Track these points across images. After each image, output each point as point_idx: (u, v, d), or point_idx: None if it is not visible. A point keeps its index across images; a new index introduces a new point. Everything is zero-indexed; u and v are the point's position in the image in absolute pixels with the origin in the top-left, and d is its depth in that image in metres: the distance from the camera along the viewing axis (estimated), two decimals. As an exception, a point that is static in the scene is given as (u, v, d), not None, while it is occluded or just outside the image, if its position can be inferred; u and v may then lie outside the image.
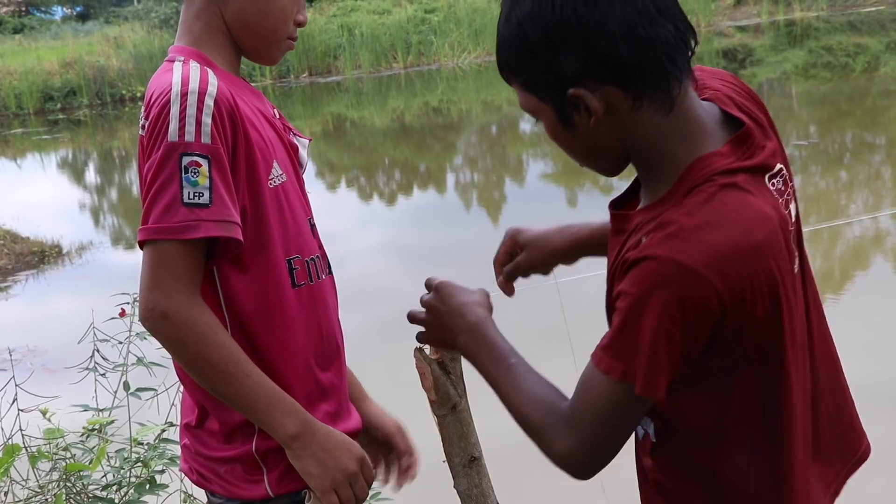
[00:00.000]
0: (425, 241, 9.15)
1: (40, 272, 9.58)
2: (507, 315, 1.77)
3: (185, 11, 1.88)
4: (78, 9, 42.62)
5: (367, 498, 1.89)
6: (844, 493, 1.63)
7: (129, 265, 9.59)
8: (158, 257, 1.69)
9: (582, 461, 1.44)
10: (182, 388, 1.96)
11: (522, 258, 1.85)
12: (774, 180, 1.43)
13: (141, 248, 1.72)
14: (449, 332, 1.61)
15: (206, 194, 1.66)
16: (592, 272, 1.75)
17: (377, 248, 8.71)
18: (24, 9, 41.80)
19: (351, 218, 10.33)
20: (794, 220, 1.48)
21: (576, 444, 1.42)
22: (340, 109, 19.97)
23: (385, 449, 2.07)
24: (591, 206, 9.79)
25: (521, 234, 1.86)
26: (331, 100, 22.04)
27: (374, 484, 2.82)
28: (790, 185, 1.47)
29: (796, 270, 1.46)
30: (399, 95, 21.98)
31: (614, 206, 1.55)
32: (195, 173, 1.66)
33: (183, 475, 3.00)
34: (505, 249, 1.88)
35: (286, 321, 1.81)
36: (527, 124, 17.67)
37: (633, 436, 1.58)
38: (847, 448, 1.61)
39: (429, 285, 1.68)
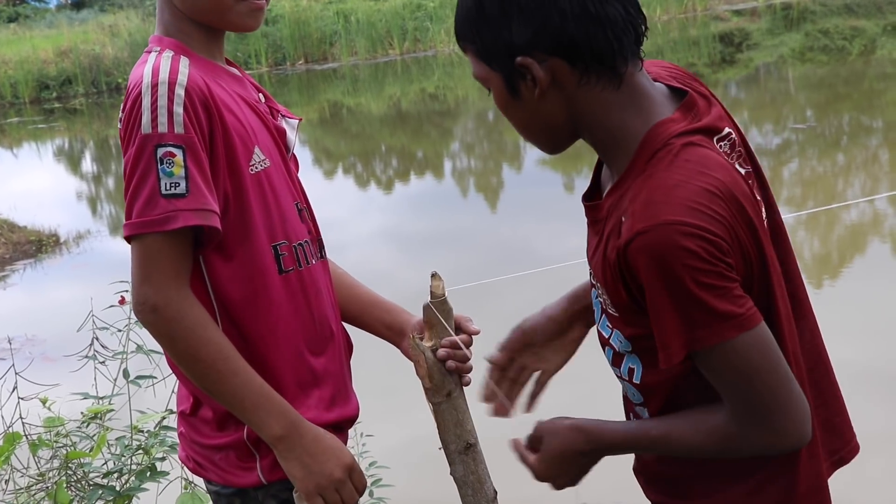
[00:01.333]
0: (423, 228, 9.15)
1: (38, 261, 9.58)
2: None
3: (158, 1, 1.89)
4: (73, -3, 42.41)
5: (365, 491, 1.88)
6: (842, 474, 1.64)
7: (126, 254, 9.56)
8: (145, 251, 1.69)
9: (793, 424, 1.41)
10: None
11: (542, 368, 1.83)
12: (722, 143, 1.47)
13: (128, 242, 1.72)
14: (588, 465, 1.59)
15: (183, 184, 1.66)
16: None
17: (375, 234, 8.70)
18: (18, -2, 41.62)
19: (348, 205, 10.32)
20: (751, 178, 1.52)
21: (773, 421, 1.40)
22: (337, 96, 19.94)
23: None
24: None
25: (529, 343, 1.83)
26: (327, 87, 22.00)
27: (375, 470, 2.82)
28: (738, 147, 1.51)
29: (765, 221, 1.50)
30: (395, 82, 21.93)
31: (586, 198, 1.58)
32: (170, 164, 1.65)
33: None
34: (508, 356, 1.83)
35: (273, 308, 1.81)
36: (523, 110, 17.63)
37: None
38: (836, 440, 1.61)
39: (529, 446, 1.64)
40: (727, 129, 1.49)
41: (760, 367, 1.39)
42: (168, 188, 1.65)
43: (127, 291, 3.13)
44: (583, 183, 10.38)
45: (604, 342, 1.60)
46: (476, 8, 1.45)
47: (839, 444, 1.61)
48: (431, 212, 10.01)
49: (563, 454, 1.56)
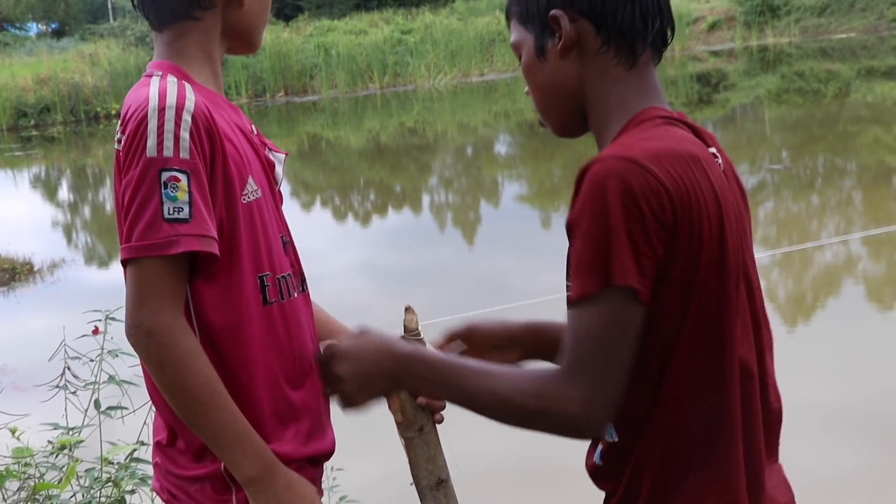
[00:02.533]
0: (400, 262, 9.15)
1: (11, 289, 9.51)
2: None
3: (162, 32, 1.87)
4: (53, 25, 42.49)
5: None
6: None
7: (101, 283, 9.55)
8: (143, 275, 1.67)
9: (599, 409, 1.40)
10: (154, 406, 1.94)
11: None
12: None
13: (124, 266, 1.70)
14: (386, 383, 1.59)
15: (186, 209, 1.65)
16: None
17: (352, 268, 8.69)
18: (-2, 25, 41.62)
19: (325, 237, 10.31)
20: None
21: (585, 393, 1.39)
22: (316, 129, 19.99)
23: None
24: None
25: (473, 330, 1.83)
26: (307, 119, 22.06)
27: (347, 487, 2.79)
28: (724, 170, 1.53)
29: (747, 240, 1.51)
30: (375, 115, 22.02)
31: None
32: (174, 188, 1.64)
33: (155, 495, 2.99)
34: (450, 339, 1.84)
35: (255, 338, 1.79)
36: (502, 146, 17.74)
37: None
38: (774, 452, 1.60)
39: (327, 356, 1.66)
40: (714, 150, 1.52)
41: (608, 342, 1.39)
42: (171, 212, 1.64)
43: (100, 321, 3.11)
44: (559, 219, 10.41)
45: None
46: None
47: None
48: (408, 246, 10.02)
49: (368, 373, 1.58)
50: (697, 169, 1.41)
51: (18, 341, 7.49)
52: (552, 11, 1.52)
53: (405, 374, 1.57)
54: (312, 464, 1.90)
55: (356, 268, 8.73)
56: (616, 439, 1.54)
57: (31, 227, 13.10)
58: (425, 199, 13.30)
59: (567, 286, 1.46)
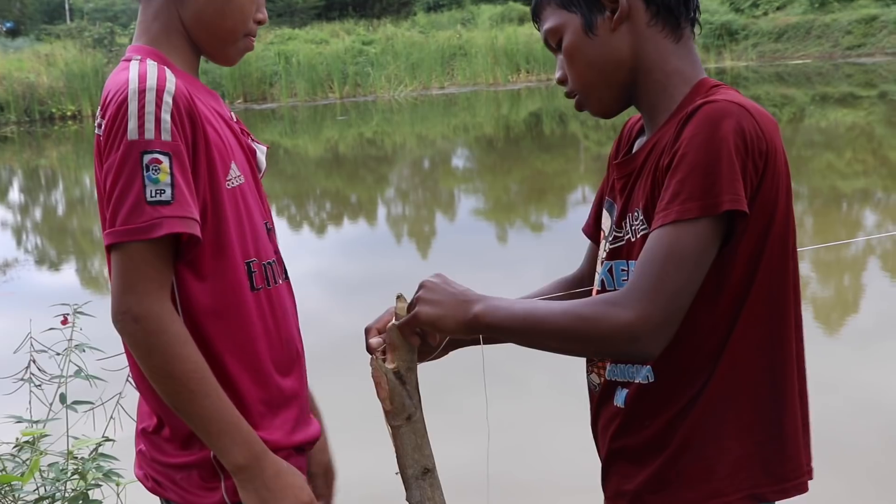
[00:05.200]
0: (354, 273, 9.12)
1: (-40, 289, 9.35)
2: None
3: (142, 12, 1.86)
4: (8, 24, 41.93)
5: None
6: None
7: (54, 285, 9.42)
8: (128, 260, 1.65)
9: (654, 322, 1.42)
10: (139, 394, 1.92)
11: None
12: None
13: (108, 251, 1.68)
14: (459, 306, 1.57)
15: (168, 191, 1.63)
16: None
17: (305, 277, 8.62)
18: (-47, 22, 41.03)
19: (280, 246, 10.19)
20: None
21: (648, 306, 1.42)
22: (274, 137, 19.90)
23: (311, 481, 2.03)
24: (521, 243, 9.87)
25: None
26: (265, 127, 21.95)
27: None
28: None
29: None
30: (334, 125, 21.97)
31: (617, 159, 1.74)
32: (156, 170, 1.63)
33: (120, 489, 2.95)
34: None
35: (245, 324, 1.79)
36: (459, 159, 17.77)
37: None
38: (807, 451, 1.63)
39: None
40: None
41: (683, 266, 1.43)
42: (153, 195, 1.62)
43: (68, 314, 3.07)
44: (515, 235, 10.43)
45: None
46: None
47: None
48: (363, 257, 9.99)
49: (449, 298, 1.58)
50: (778, 135, 1.52)
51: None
52: None
53: (477, 301, 1.57)
54: (299, 452, 1.90)
55: (310, 277, 8.67)
56: (652, 380, 1.57)
57: (-19, 227, 12.90)
58: (381, 211, 13.29)
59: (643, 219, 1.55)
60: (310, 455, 2.00)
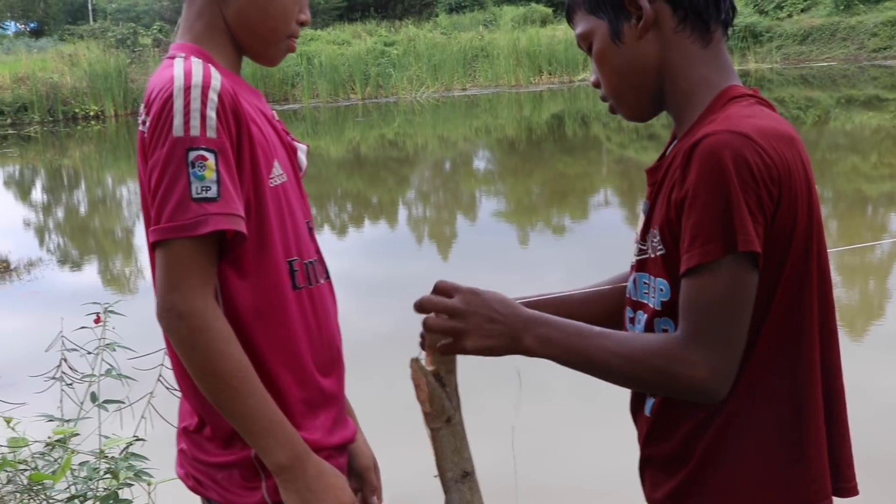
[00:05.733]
0: (374, 274, 9.12)
1: (-15, 286, 9.41)
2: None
3: (186, 10, 1.85)
4: (32, 25, 42.30)
5: None
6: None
7: (76, 284, 9.46)
8: (173, 257, 1.64)
9: (725, 374, 1.44)
10: (180, 393, 1.90)
11: None
12: None
13: (152, 249, 1.67)
14: (507, 336, 1.54)
15: (214, 188, 1.62)
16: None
17: (326, 278, 8.60)
18: (-23, 22, 41.40)
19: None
20: None
21: (714, 360, 1.43)
22: (296, 137, 19.96)
23: (355, 481, 2.02)
24: (542, 246, 9.84)
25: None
26: (287, 127, 21.95)
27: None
28: None
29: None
30: (355, 126, 22.01)
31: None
32: (202, 167, 1.62)
33: (151, 489, 2.95)
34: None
35: (287, 323, 1.77)
36: (481, 161, 17.77)
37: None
38: (845, 468, 1.61)
39: (445, 289, 1.60)
40: None
41: (730, 306, 1.43)
42: (199, 192, 1.61)
43: (100, 313, 3.07)
44: (537, 237, 10.42)
45: (634, 306, 1.64)
46: None
47: (840, 481, 1.60)
48: (384, 258, 9.99)
49: (492, 318, 1.53)
50: (794, 149, 1.48)
51: (10, 338, 7.36)
52: None
53: (528, 331, 1.53)
54: (339, 452, 1.89)
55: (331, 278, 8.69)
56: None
57: (6, 225, 12.98)
58: (402, 212, 13.29)
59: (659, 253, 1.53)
60: (357, 450, 2.00)
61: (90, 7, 40.32)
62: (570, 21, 1.70)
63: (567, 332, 1.53)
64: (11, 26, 43.08)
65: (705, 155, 1.42)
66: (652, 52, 1.59)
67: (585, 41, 1.65)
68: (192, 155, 1.62)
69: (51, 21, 40.71)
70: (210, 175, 1.62)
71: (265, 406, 1.68)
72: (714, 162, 1.41)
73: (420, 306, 1.59)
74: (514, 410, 1.80)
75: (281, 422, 1.70)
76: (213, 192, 1.62)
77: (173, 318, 1.64)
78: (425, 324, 1.58)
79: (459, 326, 1.55)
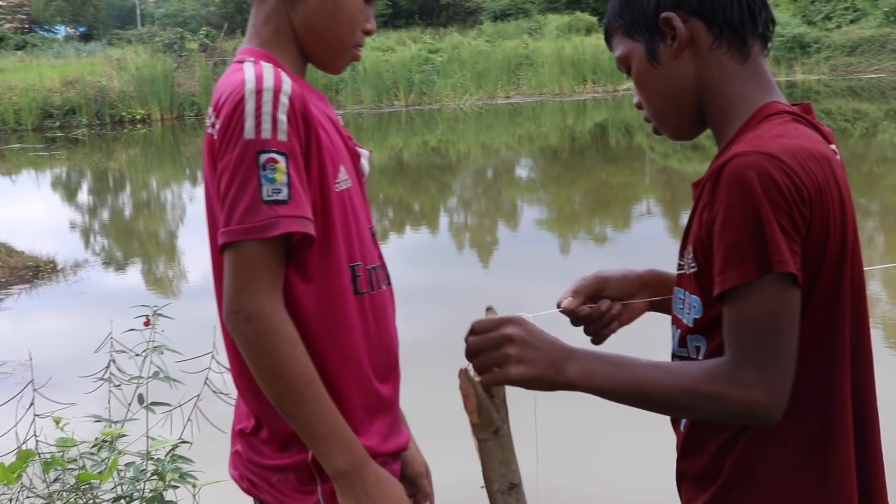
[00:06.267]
0: (415, 281, 9.11)
1: (34, 287, 9.51)
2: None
3: (254, 15, 1.88)
4: (81, 29, 42.81)
5: None
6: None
7: (121, 286, 9.56)
8: (243, 259, 1.65)
9: (781, 395, 1.42)
10: (237, 395, 1.91)
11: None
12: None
13: (222, 250, 1.68)
14: (551, 366, 1.52)
15: (285, 191, 1.63)
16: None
17: (367, 284, 8.61)
18: (26, 26, 41.99)
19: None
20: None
21: (770, 381, 1.41)
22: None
23: (408, 487, 2.00)
24: (584, 255, 9.80)
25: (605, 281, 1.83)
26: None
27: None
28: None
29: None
30: (399, 133, 22.07)
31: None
32: (273, 170, 1.63)
33: (196, 490, 2.97)
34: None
35: (348, 328, 1.78)
36: (523, 169, 17.75)
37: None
38: (877, 496, 1.57)
39: (484, 328, 1.56)
40: (834, 147, 1.56)
41: (775, 328, 1.41)
42: (270, 194, 1.63)
43: (149, 316, 3.10)
44: (578, 246, 10.36)
45: (672, 320, 1.63)
46: None
47: None
48: (425, 265, 9.99)
49: (536, 346, 1.51)
50: (827, 169, 1.45)
51: (43, 338, 7.44)
52: (663, 14, 1.56)
53: (570, 361, 1.51)
54: (394, 459, 1.89)
55: (372, 284, 8.71)
56: None
57: (52, 227, 13.14)
58: (443, 219, 13.30)
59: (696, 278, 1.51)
60: (410, 457, 2.00)
61: (138, 12, 40.77)
62: (609, 44, 1.69)
63: (611, 364, 1.51)
64: (62, 30, 43.65)
65: (732, 177, 1.41)
66: (689, 71, 1.58)
67: (624, 64, 1.65)
68: (264, 157, 1.63)
69: (100, 25, 41.18)
70: (281, 178, 1.64)
71: (328, 411, 1.69)
72: (740, 183, 1.39)
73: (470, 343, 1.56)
74: (535, 425, 1.79)
75: (342, 427, 1.70)
76: (283, 195, 1.63)
77: (241, 319, 1.65)
78: (468, 350, 1.55)
79: (508, 353, 1.53)
